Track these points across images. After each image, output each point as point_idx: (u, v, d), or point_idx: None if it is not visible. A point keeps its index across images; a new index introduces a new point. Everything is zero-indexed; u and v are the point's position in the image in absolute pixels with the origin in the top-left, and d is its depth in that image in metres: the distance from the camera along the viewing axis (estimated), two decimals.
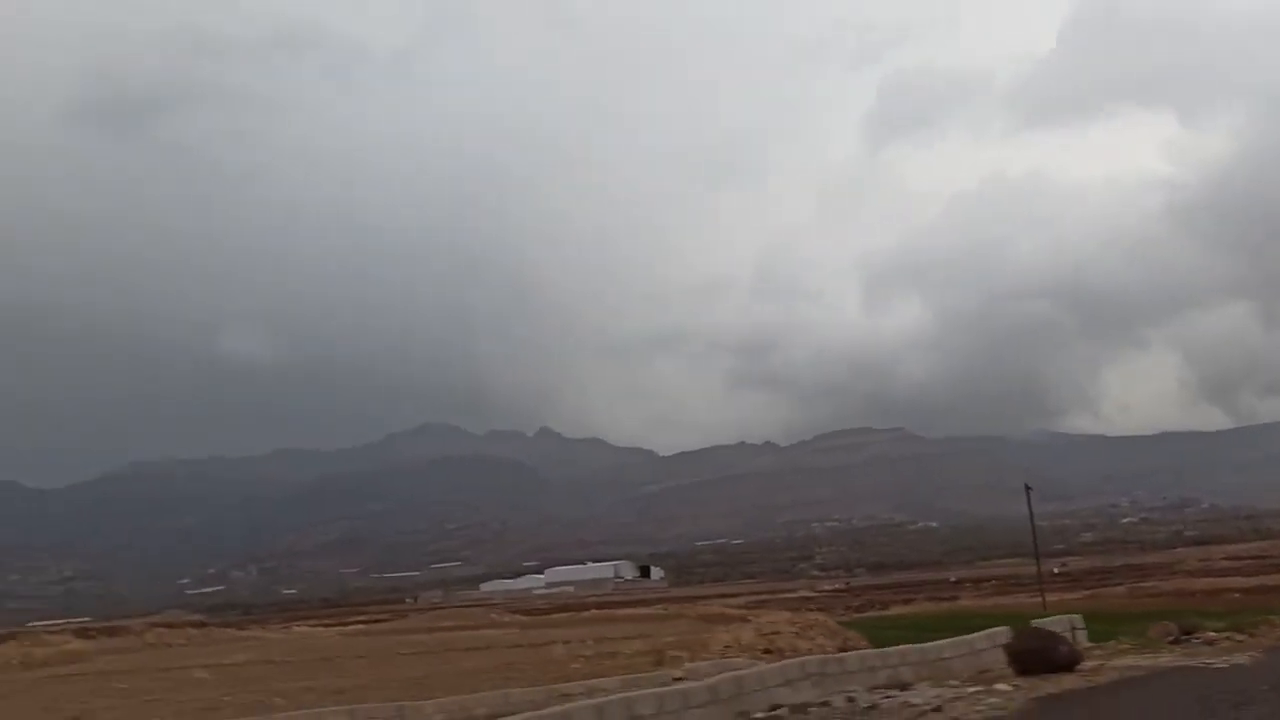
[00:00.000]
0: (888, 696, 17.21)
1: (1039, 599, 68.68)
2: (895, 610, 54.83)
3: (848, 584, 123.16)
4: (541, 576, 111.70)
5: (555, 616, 67.62)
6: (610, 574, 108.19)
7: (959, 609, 58.27)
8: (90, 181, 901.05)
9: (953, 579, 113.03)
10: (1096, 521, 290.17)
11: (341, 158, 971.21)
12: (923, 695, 17.30)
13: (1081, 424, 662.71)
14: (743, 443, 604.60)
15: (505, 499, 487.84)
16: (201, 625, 76.12)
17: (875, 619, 49.94)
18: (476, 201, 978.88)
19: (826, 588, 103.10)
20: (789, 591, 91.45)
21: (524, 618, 66.45)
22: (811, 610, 53.05)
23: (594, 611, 68.32)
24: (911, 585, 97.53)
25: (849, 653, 23.39)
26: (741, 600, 73.49)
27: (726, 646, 32.27)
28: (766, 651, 30.72)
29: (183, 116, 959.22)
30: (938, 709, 16.11)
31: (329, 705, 23.52)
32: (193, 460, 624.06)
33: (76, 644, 57.90)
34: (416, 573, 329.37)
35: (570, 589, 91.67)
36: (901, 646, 21.12)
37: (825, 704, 16.50)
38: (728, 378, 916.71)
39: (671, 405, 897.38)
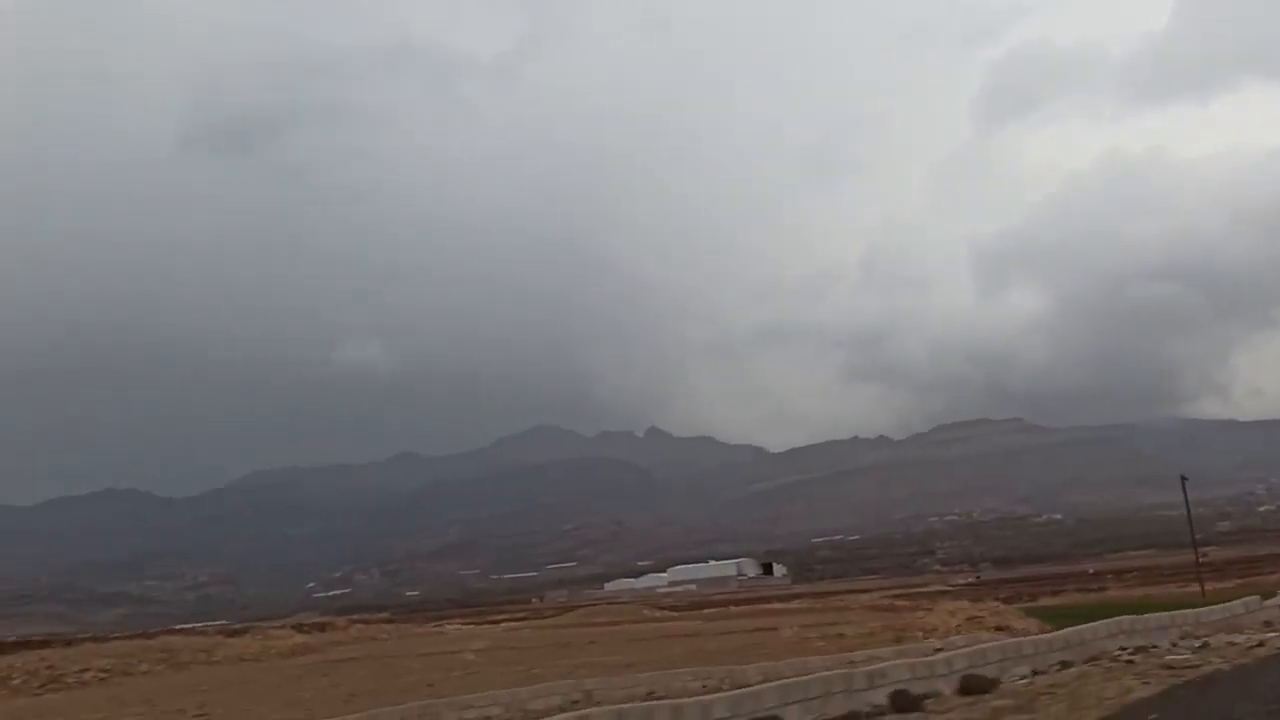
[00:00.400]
0: (1200, 642, 19.32)
1: (1190, 589, 65.23)
2: (1045, 602, 52.36)
3: (978, 578, 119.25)
4: (664, 575, 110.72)
5: (707, 611, 66.91)
6: (733, 571, 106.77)
7: (1110, 599, 55.38)
8: (208, 204, 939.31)
9: (1091, 571, 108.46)
10: (1232, 510, 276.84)
11: (448, 168, 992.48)
12: (1240, 638, 19.46)
13: (1212, 409, 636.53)
14: (856, 437, 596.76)
15: (617, 499, 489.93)
16: (389, 621, 79.51)
17: (1039, 610, 47.59)
18: (582, 206, 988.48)
19: (959, 582, 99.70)
20: (919, 586, 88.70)
21: (673, 613, 66.18)
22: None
23: (742, 607, 67.41)
24: (1049, 578, 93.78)
25: (1148, 615, 24.32)
26: (875, 595, 71.50)
27: (957, 626, 32.37)
28: (999, 629, 30.61)
29: (293, 136, 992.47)
30: (1260, 644, 17.83)
31: (643, 674, 23.42)
32: (313, 468, 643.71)
33: (299, 637, 61.04)
34: (535, 573, 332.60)
35: (693, 587, 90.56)
36: (1183, 610, 23.92)
37: (1155, 647, 18.70)
38: (838, 371, 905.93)
39: (781, 401, 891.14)
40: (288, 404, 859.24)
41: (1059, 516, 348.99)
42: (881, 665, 15.72)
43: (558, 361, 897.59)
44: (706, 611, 65.24)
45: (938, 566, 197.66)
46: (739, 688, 12.42)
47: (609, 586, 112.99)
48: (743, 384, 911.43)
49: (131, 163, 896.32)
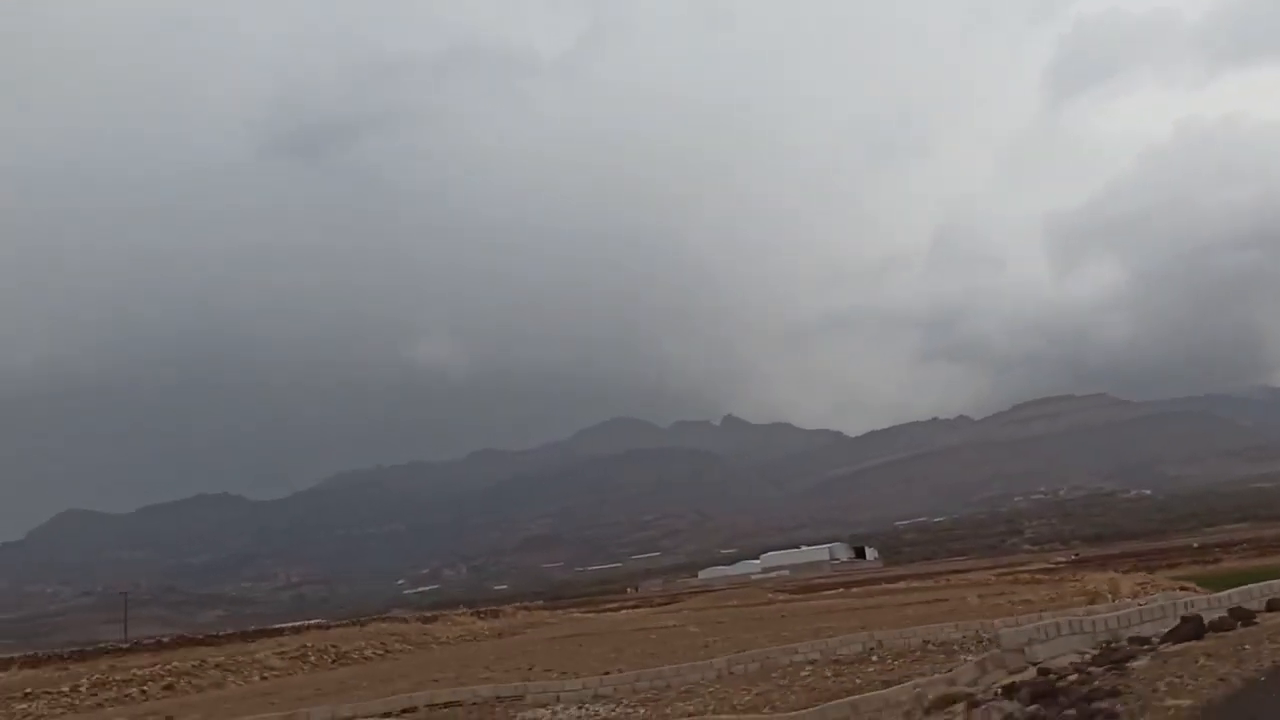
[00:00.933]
0: None
1: None
2: (1163, 575, 52.37)
3: (1077, 554, 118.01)
4: (756, 562, 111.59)
5: (826, 592, 67.86)
6: (826, 556, 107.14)
7: (1232, 570, 55.19)
8: (285, 212, 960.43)
9: (1195, 545, 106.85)
10: None
11: (517, 167, 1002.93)
12: None
13: None
14: (935, 419, 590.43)
15: (696, 488, 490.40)
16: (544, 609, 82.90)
17: (1181, 579, 47.97)
18: (649, 199, 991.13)
19: (1058, 560, 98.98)
20: (1021, 565, 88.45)
21: (796, 595, 67.35)
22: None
23: (859, 589, 68.30)
24: (1153, 553, 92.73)
25: None
26: (982, 574, 71.67)
27: (1137, 589, 32.92)
28: (1183, 589, 30.97)
29: (365, 141, 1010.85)
30: None
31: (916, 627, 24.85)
32: (394, 468, 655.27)
33: (480, 623, 65.35)
34: (618, 564, 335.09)
35: (786, 572, 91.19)
36: None
37: None
38: (913, 353, 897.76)
39: (856, 385, 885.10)
40: (366, 406, 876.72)
41: (1148, 492, 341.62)
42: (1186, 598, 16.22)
43: (631, 354, 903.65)
44: (827, 593, 66.13)
45: (1027, 546, 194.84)
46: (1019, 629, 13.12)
47: (702, 575, 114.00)
48: (817, 369, 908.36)
49: (213, 173, 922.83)
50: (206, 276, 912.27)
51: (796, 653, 22.73)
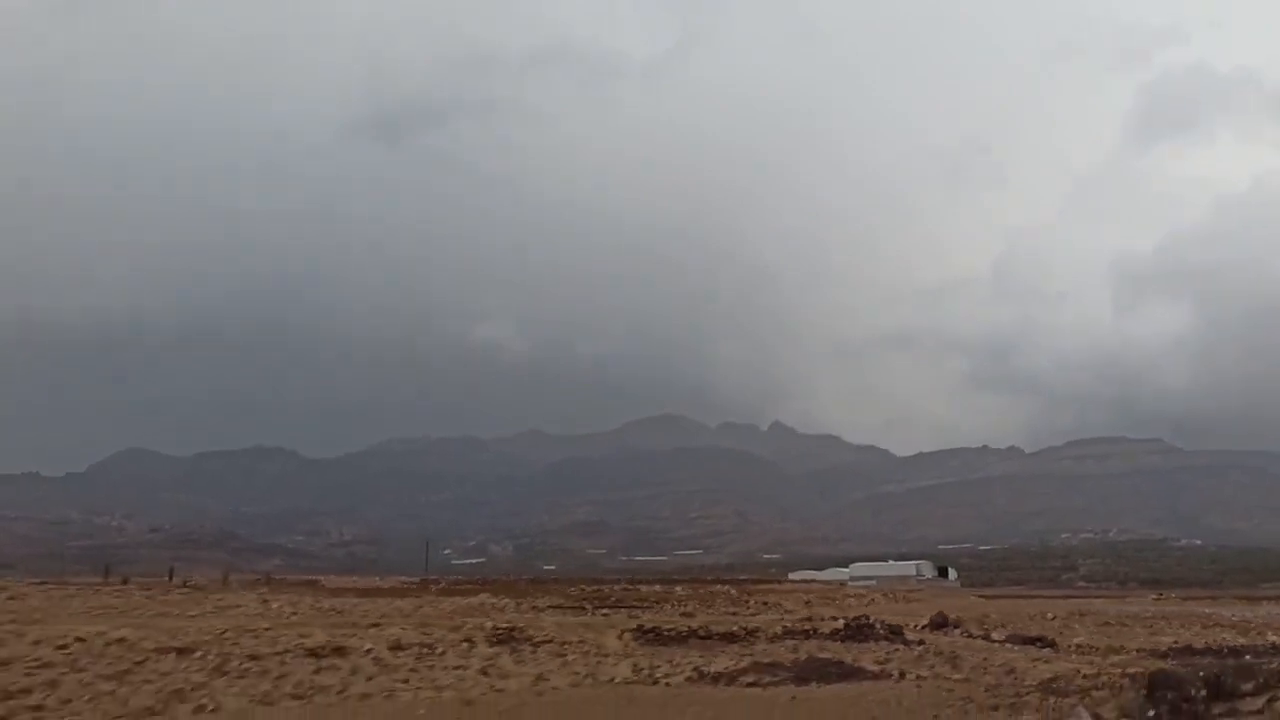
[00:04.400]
0: None
1: None
2: None
3: (1161, 594, 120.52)
4: (845, 570, 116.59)
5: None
6: (912, 572, 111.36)
7: None
8: (364, 188, 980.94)
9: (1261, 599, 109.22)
10: None
11: (594, 163, 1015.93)
12: None
13: None
14: (985, 446, 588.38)
15: (742, 491, 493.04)
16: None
17: None
18: (719, 203, 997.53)
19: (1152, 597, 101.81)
20: (1097, 596, 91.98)
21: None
22: None
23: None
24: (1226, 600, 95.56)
25: None
26: (1074, 603, 75.68)
27: None
28: None
29: (450, 128, 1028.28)
30: None
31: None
32: (446, 439, 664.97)
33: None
34: (664, 558, 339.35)
35: (873, 583, 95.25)
36: None
37: None
38: (964, 379, 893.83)
39: (904, 405, 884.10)
40: (422, 376, 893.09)
41: (1199, 542, 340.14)
42: None
43: (685, 352, 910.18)
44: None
45: (1082, 582, 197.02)
46: None
47: (792, 576, 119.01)
48: (867, 386, 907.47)
49: (297, 143, 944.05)
50: (282, 239, 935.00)
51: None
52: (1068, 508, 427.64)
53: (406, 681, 18.96)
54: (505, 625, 27.84)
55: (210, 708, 16.24)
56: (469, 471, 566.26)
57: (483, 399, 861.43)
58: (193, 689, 17.52)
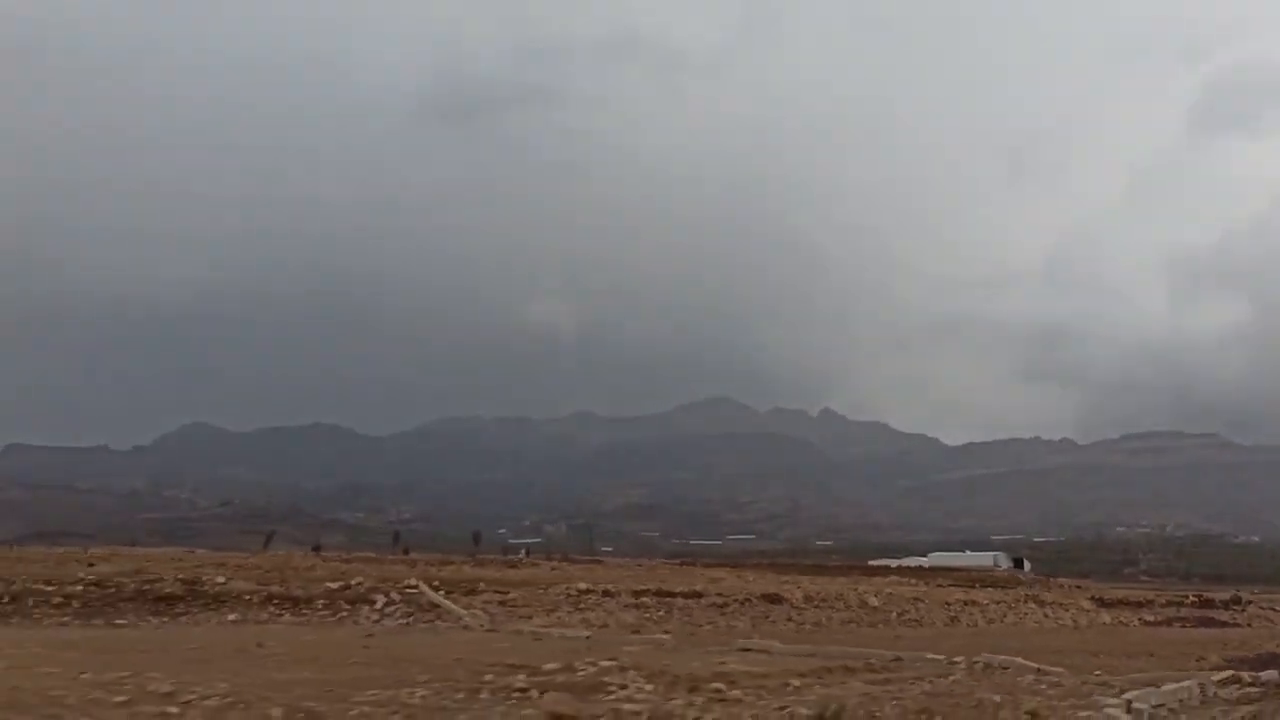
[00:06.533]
0: None
1: None
2: None
3: (1237, 592, 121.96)
4: (924, 559, 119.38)
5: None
6: (990, 562, 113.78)
7: None
8: (430, 169, 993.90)
9: None
10: None
11: (657, 152, 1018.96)
12: None
13: None
14: (1038, 437, 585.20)
15: (793, 476, 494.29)
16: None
17: None
18: (776, 190, 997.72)
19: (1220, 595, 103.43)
20: (1183, 593, 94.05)
21: None
22: None
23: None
24: None
25: None
26: (1166, 597, 78.33)
27: None
28: None
29: (516, 114, 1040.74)
30: None
31: None
32: (495, 419, 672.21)
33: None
34: (718, 542, 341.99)
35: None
36: None
37: None
38: (1014, 370, 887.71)
39: (955, 395, 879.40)
40: (474, 355, 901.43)
41: (1256, 538, 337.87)
42: None
43: (737, 336, 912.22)
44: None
45: (1144, 577, 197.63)
46: None
47: (870, 564, 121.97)
48: (918, 374, 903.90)
49: (368, 126, 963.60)
50: (347, 220, 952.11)
51: None
52: (1122, 501, 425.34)
53: None
54: None
55: None
56: (520, 451, 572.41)
57: (534, 380, 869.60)
58: None
